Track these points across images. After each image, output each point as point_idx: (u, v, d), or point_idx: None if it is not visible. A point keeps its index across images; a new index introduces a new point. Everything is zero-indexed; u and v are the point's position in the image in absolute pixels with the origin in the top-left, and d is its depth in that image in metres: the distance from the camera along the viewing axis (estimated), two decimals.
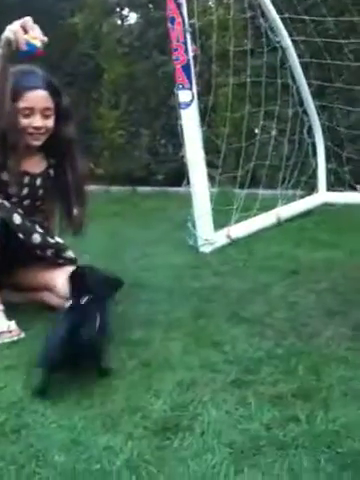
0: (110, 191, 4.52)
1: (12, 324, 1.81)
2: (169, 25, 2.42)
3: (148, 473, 1.11)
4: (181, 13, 2.40)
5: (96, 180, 4.61)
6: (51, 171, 2.05)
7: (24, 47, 1.63)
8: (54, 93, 1.94)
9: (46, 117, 1.92)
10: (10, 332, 1.78)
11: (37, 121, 1.90)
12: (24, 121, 1.89)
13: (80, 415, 1.31)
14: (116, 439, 1.21)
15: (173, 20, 2.40)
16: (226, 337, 1.66)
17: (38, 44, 1.64)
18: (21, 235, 1.89)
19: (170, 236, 2.94)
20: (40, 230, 1.96)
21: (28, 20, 1.65)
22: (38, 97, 1.90)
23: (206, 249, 2.58)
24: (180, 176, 4.14)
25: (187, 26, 2.43)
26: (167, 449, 1.18)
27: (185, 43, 2.42)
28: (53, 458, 1.16)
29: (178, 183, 4.17)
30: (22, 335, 1.79)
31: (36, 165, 2.02)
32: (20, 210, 1.93)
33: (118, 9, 4.71)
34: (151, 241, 2.90)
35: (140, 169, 4.48)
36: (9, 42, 1.65)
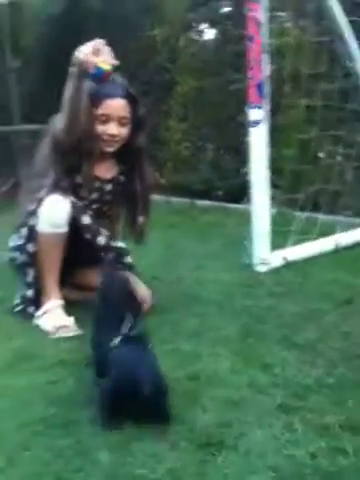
0: (171, 202, 4.57)
1: (70, 320, 1.88)
2: (247, 43, 2.45)
3: None
4: (260, 33, 2.42)
5: (158, 190, 4.68)
6: (121, 177, 2.11)
7: (92, 70, 1.70)
8: (132, 102, 2.00)
9: (122, 125, 1.98)
10: (68, 327, 1.84)
11: (113, 129, 1.96)
12: (100, 128, 1.96)
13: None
14: (161, 447, 1.23)
15: (252, 39, 2.43)
16: (276, 360, 1.65)
17: (107, 68, 1.70)
18: (88, 235, 1.96)
19: (226, 252, 2.94)
20: (105, 233, 2.03)
21: (100, 43, 1.72)
22: (116, 105, 1.96)
23: (261, 269, 2.57)
24: (240, 193, 4.14)
25: (265, 46, 2.45)
26: (210, 464, 1.18)
27: (261, 62, 2.43)
28: (98, 457, 1.19)
29: (237, 199, 4.19)
30: (78, 332, 1.85)
31: (107, 171, 2.08)
32: (90, 212, 2.00)
33: (196, 24, 4.79)
34: (206, 255, 2.92)
35: (201, 183, 4.52)
36: (80, 63, 1.73)
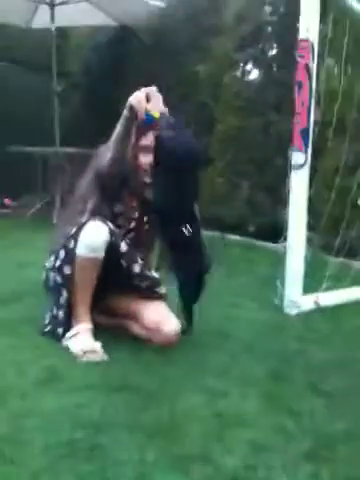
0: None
1: (97, 345, 1.89)
2: (296, 89, 2.49)
3: None
4: (310, 79, 2.46)
5: None
6: None
7: (142, 117, 1.76)
8: None
9: None
10: (95, 352, 1.85)
11: None
12: (143, 159, 2.01)
13: (152, 450, 1.33)
14: None
15: (301, 85, 2.46)
16: (304, 406, 1.63)
17: (156, 115, 1.76)
18: (124, 262, 1.98)
19: (255, 290, 2.93)
20: (141, 261, 2.05)
21: (153, 90, 1.77)
22: None
23: (291, 311, 2.55)
24: (271, 232, 4.14)
25: (313, 92, 2.48)
26: None
27: (309, 108, 2.46)
28: None
29: (268, 237, 4.19)
30: (105, 357, 1.86)
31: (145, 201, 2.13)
32: (127, 240, 2.03)
33: (241, 63, 4.89)
34: (235, 292, 2.91)
35: (233, 218, 4.54)
36: (132, 108, 1.79)
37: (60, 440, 1.34)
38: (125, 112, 1.87)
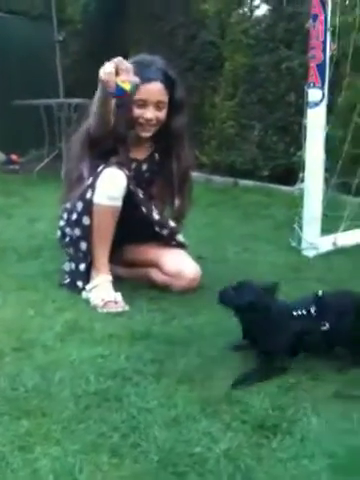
0: (211, 180, 4.53)
1: (118, 296, 1.88)
2: (311, 22, 2.36)
3: (246, 467, 1.11)
4: (325, 11, 2.32)
5: (199, 168, 4.63)
6: (156, 155, 2.09)
7: (113, 90, 1.68)
8: (169, 86, 1.97)
9: (158, 109, 1.96)
10: (116, 303, 1.85)
11: (149, 113, 1.95)
12: (137, 111, 1.95)
13: (180, 396, 1.34)
14: (215, 427, 1.23)
15: (316, 17, 2.33)
16: None
17: (127, 87, 1.68)
18: (144, 209, 1.95)
19: (271, 234, 2.90)
20: (156, 210, 2.02)
21: (121, 62, 1.68)
22: (153, 90, 1.93)
23: (309, 253, 2.51)
24: (286, 174, 4.06)
25: (329, 25, 2.35)
26: (265, 447, 1.17)
27: (324, 42, 2.35)
28: (154, 433, 1.19)
29: (282, 181, 4.11)
30: (126, 308, 1.86)
31: (144, 152, 2.08)
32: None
33: None
34: (251, 236, 2.88)
35: (245, 162, 4.44)
36: (102, 81, 1.70)
37: (88, 391, 1.35)
38: (99, 85, 1.77)
